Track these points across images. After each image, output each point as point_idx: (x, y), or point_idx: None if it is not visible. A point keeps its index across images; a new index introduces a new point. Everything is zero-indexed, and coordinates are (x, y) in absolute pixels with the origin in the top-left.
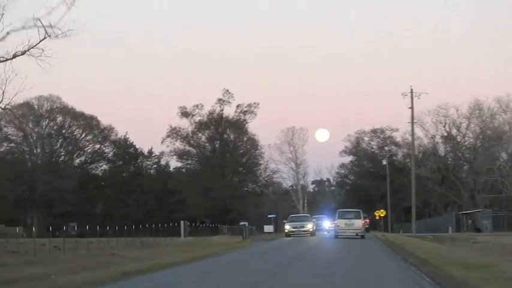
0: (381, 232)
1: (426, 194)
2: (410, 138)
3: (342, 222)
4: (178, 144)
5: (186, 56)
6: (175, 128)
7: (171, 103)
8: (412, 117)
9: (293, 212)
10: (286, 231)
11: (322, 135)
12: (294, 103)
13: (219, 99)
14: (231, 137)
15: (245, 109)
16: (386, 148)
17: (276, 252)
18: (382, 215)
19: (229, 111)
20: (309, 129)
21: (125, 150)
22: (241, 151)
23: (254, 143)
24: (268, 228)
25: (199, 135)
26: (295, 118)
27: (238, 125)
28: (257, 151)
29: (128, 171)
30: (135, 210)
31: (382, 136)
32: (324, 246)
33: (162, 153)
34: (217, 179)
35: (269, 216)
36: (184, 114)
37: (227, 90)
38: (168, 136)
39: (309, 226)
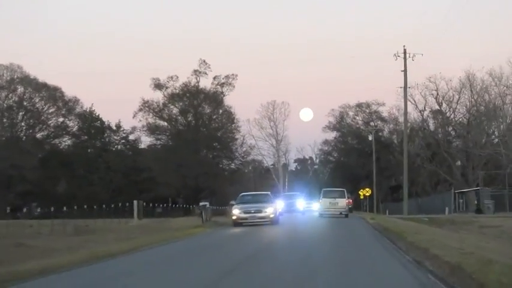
0: (366, 213)
1: (414, 171)
2: (397, 113)
3: (326, 201)
4: (151, 119)
5: (161, 26)
6: (147, 101)
7: (143, 75)
8: (405, 82)
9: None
10: (234, 218)
11: (306, 114)
12: (275, 76)
13: (195, 71)
14: (206, 109)
15: (222, 81)
16: (372, 124)
17: (229, 245)
18: (367, 194)
19: (206, 84)
20: (290, 103)
21: (91, 123)
22: (216, 125)
23: (230, 116)
24: None
25: (171, 107)
26: (276, 92)
27: (214, 98)
28: (233, 125)
29: (93, 147)
30: (100, 189)
31: (367, 111)
32: (292, 240)
33: (134, 128)
34: (190, 155)
35: (241, 194)
36: (158, 86)
37: (204, 61)
38: (140, 110)
39: (268, 210)
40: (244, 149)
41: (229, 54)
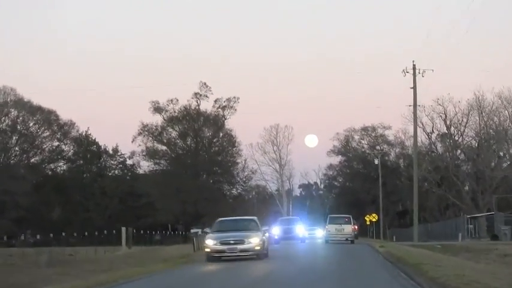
0: (373, 239)
1: (422, 196)
2: (403, 137)
3: (332, 228)
4: (150, 143)
5: (161, 47)
6: (147, 125)
7: (142, 99)
8: (415, 99)
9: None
10: (207, 250)
11: (311, 140)
12: (278, 99)
13: (195, 93)
14: (206, 133)
15: (224, 104)
16: (378, 148)
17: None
18: (373, 219)
19: (207, 107)
20: (294, 127)
21: (87, 148)
22: (217, 148)
23: (231, 140)
24: None
25: (170, 131)
26: (279, 115)
27: (215, 121)
28: (234, 148)
29: (89, 172)
30: (96, 215)
31: (373, 134)
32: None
33: (133, 153)
34: (189, 180)
35: None
36: (157, 109)
37: (204, 83)
38: (139, 134)
39: (254, 240)
40: (246, 173)
41: (231, 77)
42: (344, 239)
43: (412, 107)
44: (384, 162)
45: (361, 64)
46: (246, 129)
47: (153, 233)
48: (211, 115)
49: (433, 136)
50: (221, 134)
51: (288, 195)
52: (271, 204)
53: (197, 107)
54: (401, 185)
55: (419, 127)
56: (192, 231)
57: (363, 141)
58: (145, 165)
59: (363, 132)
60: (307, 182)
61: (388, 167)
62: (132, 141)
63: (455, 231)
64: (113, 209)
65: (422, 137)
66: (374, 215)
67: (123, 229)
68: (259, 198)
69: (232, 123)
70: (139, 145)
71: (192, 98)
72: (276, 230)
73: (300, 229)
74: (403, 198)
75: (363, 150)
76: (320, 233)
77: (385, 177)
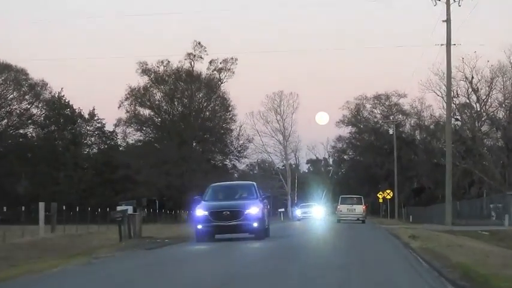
0: (387, 219)
1: (440, 172)
2: (419, 106)
3: (344, 208)
4: (133, 108)
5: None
6: (134, 88)
7: (128, 63)
8: (449, 36)
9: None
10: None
11: (321, 117)
12: (282, 65)
13: (189, 54)
14: (198, 97)
15: (220, 66)
16: (391, 118)
17: None
18: (388, 197)
19: (202, 70)
20: (299, 94)
21: (59, 111)
22: (208, 113)
23: (224, 103)
24: None
25: (155, 92)
26: (282, 83)
27: (209, 85)
28: (228, 113)
29: (61, 139)
30: (67, 189)
31: (387, 103)
32: None
33: (119, 120)
34: (175, 149)
35: None
36: (146, 71)
37: (199, 43)
38: (126, 99)
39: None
40: (241, 141)
41: (228, 39)
42: (355, 218)
43: (445, 46)
44: (398, 134)
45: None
46: (245, 96)
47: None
48: (204, 78)
49: (457, 101)
50: (213, 97)
51: (294, 171)
52: (273, 179)
53: (190, 69)
54: (417, 159)
55: (438, 95)
56: (118, 208)
57: (375, 111)
58: (130, 134)
59: (375, 101)
60: (315, 157)
61: (403, 139)
62: (118, 107)
63: (485, 211)
64: (87, 182)
65: (440, 107)
66: (388, 191)
67: (41, 205)
68: (265, 175)
69: (230, 88)
70: (127, 112)
71: (185, 59)
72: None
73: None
74: (419, 174)
75: (376, 120)
76: (318, 211)
77: (399, 150)
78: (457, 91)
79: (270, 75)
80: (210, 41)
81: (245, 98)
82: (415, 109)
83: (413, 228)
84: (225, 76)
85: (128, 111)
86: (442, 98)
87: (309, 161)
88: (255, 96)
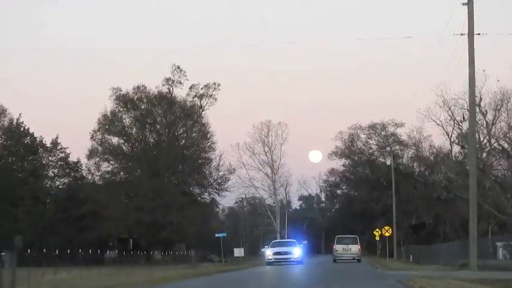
0: (387, 261)
1: (441, 207)
2: (418, 136)
3: (340, 247)
4: (100, 136)
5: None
6: (105, 115)
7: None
8: (471, 23)
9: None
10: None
11: (315, 156)
12: (268, 90)
13: (167, 79)
14: (174, 123)
15: (201, 91)
16: (388, 149)
17: None
18: (387, 234)
19: (181, 95)
20: (288, 123)
21: (18, 140)
22: (184, 141)
23: (203, 130)
24: (239, 251)
25: (123, 116)
26: (270, 110)
27: (190, 113)
28: (207, 141)
29: (21, 170)
30: (26, 227)
31: (383, 133)
32: None
33: (93, 152)
34: (146, 181)
35: (217, 235)
36: (120, 98)
37: (178, 67)
38: (99, 129)
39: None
40: (222, 173)
41: (211, 66)
42: (351, 258)
43: (466, 36)
44: (395, 166)
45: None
46: (230, 126)
47: (108, 251)
48: (182, 102)
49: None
50: (189, 123)
51: (283, 208)
52: (260, 215)
53: (166, 94)
54: (416, 193)
55: (438, 124)
56: None
57: (370, 141)
58: (97, 165)
59: (370, 131)
60: (306, 193)
61: (401, 171)
62: (91, 138)
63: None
64: (48, 219)
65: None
66: (387, 227)
67: None
68: (254, 212)
69: (212, 116)
70: (93, 139)
71: (163, 84)
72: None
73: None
74: (419, 209)
75: (371, 151)
76: (297, 252)
77: (397, 184)
78: (463, 114)
79: (256, 104)
80: (191, 68)
81: (229, 128)
82: (413, 139)
83: (429, 276)
84: (207, 103)
85: (94, 139)
86: (442, 126)
87: (301, 198)
88: (240, 127)
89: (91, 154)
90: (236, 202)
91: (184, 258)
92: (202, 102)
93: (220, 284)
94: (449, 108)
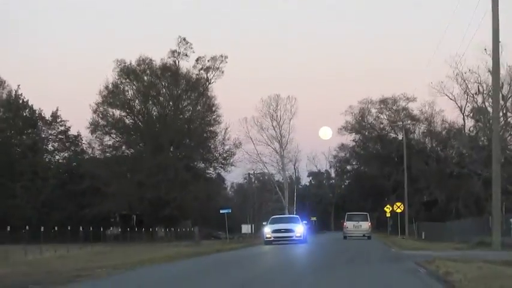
0: (398, 238)
1: (453, 183)
2: (430, 111)
3: (350, 224)
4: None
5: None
6: (107, 86)
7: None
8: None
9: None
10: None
11: (325, 132)
12: (277, 63)
13: (173, 51)
14: (174, 92)
15: (208, 64)
16: (400, 124)
17: None
18: (399, 210)
19: (187, 68)
20: (297, 98)
21: (16, 112)
22: (189, 113)
23: (208, 102)
24: (247, 228)
25: (126, 88)
26: (279, 84)
27: (196, 86)
28: (213, 114)
29: (19, 144)
30: (25, 203)
31: (394, 108)
32: None
33: (96, 124)
34: (148, 156)
35: (221, 211)
36: (124, 70)
37: (184, 39)
38: (103, 101)
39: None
40: (227, 147)
41: (219, 38)
42: (361, 235)
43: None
44: (407, 141)
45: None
46: (237, 100)
47: (110, 227)
48: (186, 75)
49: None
50: (193, 95)
51: (287, 181)
52: (268, 190)
53: (169, 65)
54: (428, 169)
55: (450, 99)
56: None
57: (381, 116)
58: (98, 138)
59: (381, 105)
60: (316, 169)
61: (413, 147)
62: (94, 112)
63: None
64: (48, 195)
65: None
66: (399, 203)
67: None
68: (262, 189)
69: (219, 90)
70: (95, 112)
71: (169, 57)
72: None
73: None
74: (431, 186)
75: (382, 126)
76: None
77: (409, 159)
78: (478, 87)
79: (265, 77)
80: (197, 40)
81: (237, 102)
82: (425, 114)
83: (452, 258)
84: (213, 76)
85: (95, 112)
86: (455, 101)
87: (310, 174)
88: (248, 101)
89: (92, 127)
90: (245, 178)
91: (188, 235)
92: (208, 75)
93: (202, 269)
94: (464, 81)
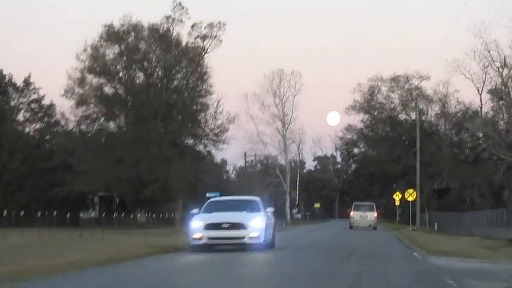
0: (408, 230)
1: (468, 169)
2: (445, 91)
3: (356, 214)
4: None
5: None
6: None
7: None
8: None
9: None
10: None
11: (333, 118)
12: (281, 36)
13: (167, 17)
14: (167, 62)
15: (204, 31)
16: (412, 105)
17: None
18: (411, 198)
19: (182, 35)
20: (302, 73)
21: None
22: (177, 82)
23: (199, 71)
24: None
25: (106, 52)
26: (283, 58)
27: (190, 54)
28: (204, 84)
29: None
30: None
31: (406, 86)
32: None
33: (71, 91)
34: (128, 129)
35: (208, 195)
36: (112, 36)
37: (179, 3)
38: (81, 67)
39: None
40: (220, 121)
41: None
42: (367, 225)
43: None
44: (419, 123)
45: None
46: (237, 75)
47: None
48: (185, 45)
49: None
50: (183, 62)
51: (296, 168)
52: (269, 174)
53: (169, 35)
54: (441, 154)
55: (467, 78)
56: None
57: (392, 95)
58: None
59: (392, 83)
60: (321, 152)
61: (425, 129)
62: (70, 78)
63: None
64: (15, 172)
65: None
66: (410, 191)
67: None
68: (263, 172)
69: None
70: (70, 79)
71: (162, 23)
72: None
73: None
74: (443, 172)
75: (392, 106)
76: (258, 224)
77: (420, 143)
78: (504, 58)
79: (268, 52)
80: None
81: (237, 77)
82: (439, 94)
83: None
84: (210, 44)
85: (71, 78)
86: (472, 81)
87: (315, 159)
88: (248, 77)
89: (67, 95)
90: (247, 162)
91: (173, 221)
92: (205, 43)
93: None
94: (489, 52)
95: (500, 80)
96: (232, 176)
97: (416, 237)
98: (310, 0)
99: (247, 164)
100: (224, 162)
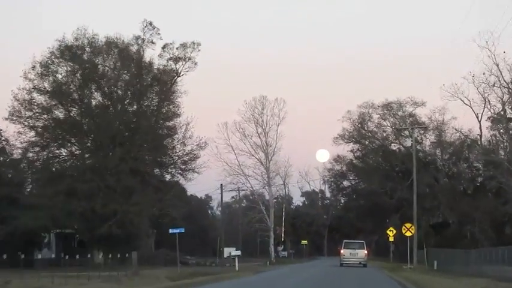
0: (407, 271)
1: (468, 202)
2: (441, 118)
3: (347, 252)
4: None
5: None
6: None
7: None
8: None
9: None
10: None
11: (322, 155)
12: (263, 61)
13: (136, 38)
14: (122, 77)
15: (177, 53)
16: (408, 132)
17: None
18: (408, 234)
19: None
20: (287, 100)
21: None
22: (138, 104)
23: (165, 88)
24: (236, 252)
25: (59, 70)
26: (265, 85)
27: (163, 79)
28: (171, 105)
29: None
30: None
31: (399, 114)
32: None
33: (17, 114)
34: (82, 157)
35: (171, 231)
36: (65, 52)
37: (149, 23)
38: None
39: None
40: (189, 148)
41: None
42: (357, 262)
43: None
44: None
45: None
46: (218, 102)
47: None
48: (158, 69)
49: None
50: (149, 79)
51: (281, 203)
52: (251, 208)
53: (140, 57)
54: (438, 186)
55: (465, 104)
56: None
57: (384, 123)
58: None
59: (384, 110)
60: (309, 186)
61: (420, 159)
62: (14, 97)
63: None
64: None
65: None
66: (408, 225)
67: None
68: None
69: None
70: (17, 100)
71: (132, 44)
72: None
73: None
74: (441, 206)
75: (385, 135)
76: None
77: (415, 174)
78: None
79: (249, 78)
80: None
81: (215, 105)
82: (435, 122)
83: None
84: (184, 68)
85: (17, 99)
86: (471, 106)
87: (303, 194)
88: (228, 105)
89: (11, 118)
90: (232, 197)
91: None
92: (177, 66)
93: None
94: (497, 66)
95: (501, 106)
96: (217, 212)
97: (423, 283)
98: (298, 24)
99: (233, 199)
100: (209, 197)
